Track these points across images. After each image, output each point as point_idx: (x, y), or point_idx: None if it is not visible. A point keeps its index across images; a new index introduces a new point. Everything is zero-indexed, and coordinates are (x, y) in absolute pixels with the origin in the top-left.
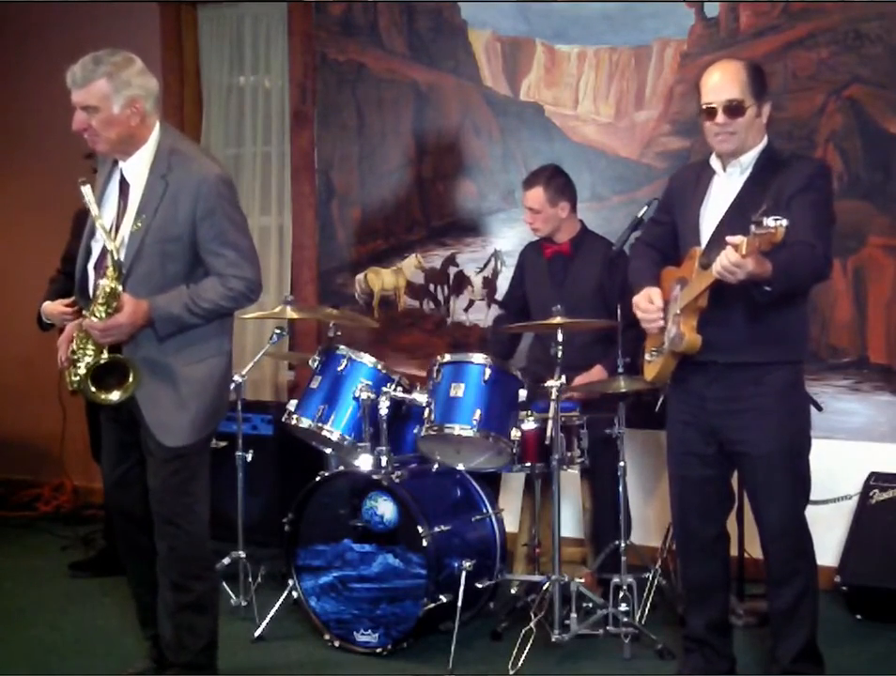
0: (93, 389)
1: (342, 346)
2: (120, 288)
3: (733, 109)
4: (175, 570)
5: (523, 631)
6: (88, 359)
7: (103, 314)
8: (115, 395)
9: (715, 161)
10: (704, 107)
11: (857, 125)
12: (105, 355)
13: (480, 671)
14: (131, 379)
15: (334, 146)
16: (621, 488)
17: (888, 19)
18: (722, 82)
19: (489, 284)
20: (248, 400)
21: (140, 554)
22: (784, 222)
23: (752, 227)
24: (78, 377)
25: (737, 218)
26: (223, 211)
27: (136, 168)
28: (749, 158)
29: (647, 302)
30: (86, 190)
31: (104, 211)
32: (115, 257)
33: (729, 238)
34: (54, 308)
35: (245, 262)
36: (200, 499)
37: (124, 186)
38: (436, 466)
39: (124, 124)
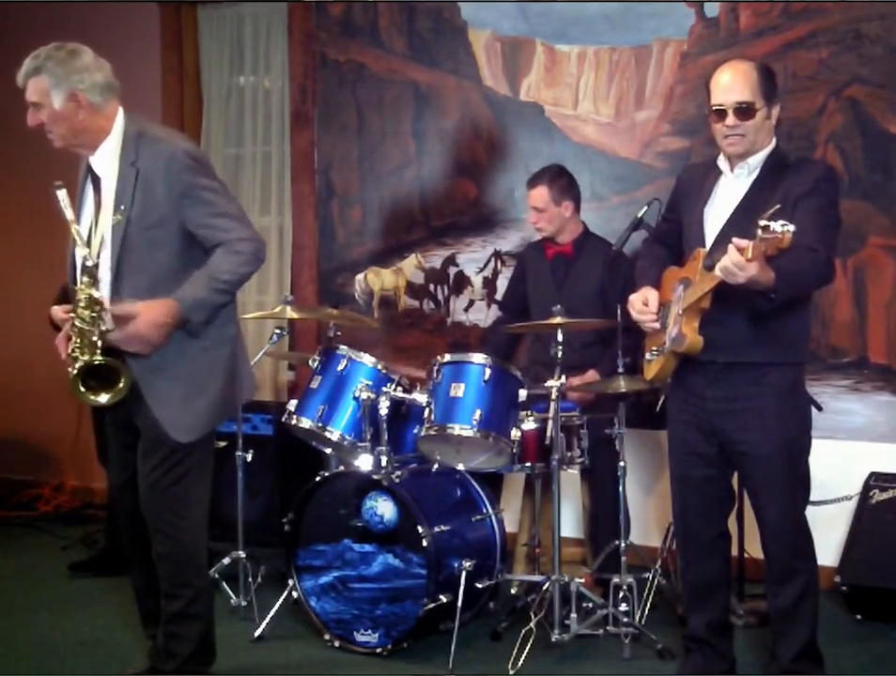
0: (82, 389)
1: (342, 346)
2: (97, 294)
3: (744, 111)
4: (165, 577)
5: (523, 631)
6: (82, 360)
7: (87, 319)
8: (103, 398)
9: (722, 162)
10: (714, 108)
11: (857, 125)
12: (98, 357)
13: (480, 671)
14: (121, 383)
15: (334, 146)
16: (621, 488)
17: (888, 19)
18: (733, 83)
19: (489, 284)
20: (248, 400)
21: (144, 556)
22: (791, 228)
23: (759, 231)
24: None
25: (743, 220)
26: (200, 185)
27: (105, 160)
28: (758, 160)
29: (641, 304)
30: (62, 194)
31: (84, 209)
32: (89, 264)
33: (735, 240)
34: (56, 314)
35: (241, 225)
36: (192, 503)
37: (96, 180)
38: (436, 466)
39: (70, 119)
